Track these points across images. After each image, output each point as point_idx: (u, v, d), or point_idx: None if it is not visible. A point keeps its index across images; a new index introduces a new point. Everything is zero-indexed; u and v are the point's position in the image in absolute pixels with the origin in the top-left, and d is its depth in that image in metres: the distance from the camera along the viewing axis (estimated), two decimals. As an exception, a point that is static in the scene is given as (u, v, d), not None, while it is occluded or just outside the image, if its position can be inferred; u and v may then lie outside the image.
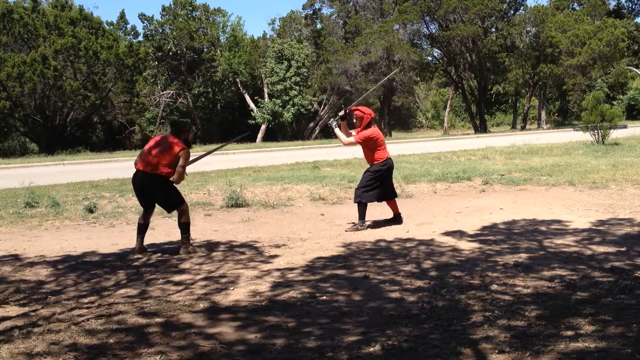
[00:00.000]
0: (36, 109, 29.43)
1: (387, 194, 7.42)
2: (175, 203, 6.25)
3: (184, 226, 6.22)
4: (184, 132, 6.24)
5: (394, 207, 7.52)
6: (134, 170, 6.22)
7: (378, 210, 8.02)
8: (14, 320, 4.10)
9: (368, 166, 7.47)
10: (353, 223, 7.34)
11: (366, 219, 7.27)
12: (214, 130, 40.81)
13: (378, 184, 7.27)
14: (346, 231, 7.09)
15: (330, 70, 35.49)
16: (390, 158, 7.43)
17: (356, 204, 7.29)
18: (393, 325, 3.79)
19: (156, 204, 6.36)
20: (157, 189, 6.14)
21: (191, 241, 6.31)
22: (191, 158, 6.36)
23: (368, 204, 7.30)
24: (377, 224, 7.43)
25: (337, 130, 7.60)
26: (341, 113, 7.53)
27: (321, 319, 3.98)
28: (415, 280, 4.82)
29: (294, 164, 14.42)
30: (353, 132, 7.53)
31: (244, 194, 9.57)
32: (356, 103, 8.06)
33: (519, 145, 17.67)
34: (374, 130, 7.29)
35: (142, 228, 6.26)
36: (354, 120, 7.38)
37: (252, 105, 38.19)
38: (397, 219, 7.49)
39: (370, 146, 7.28)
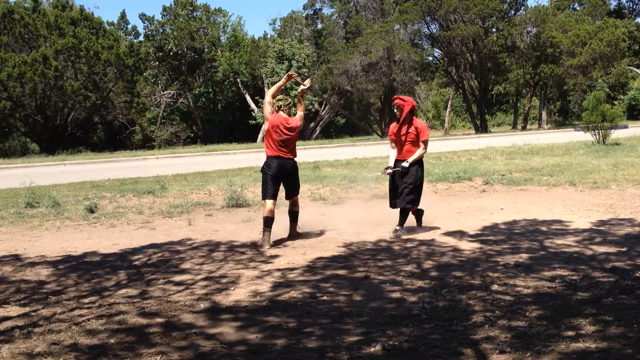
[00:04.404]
0: (37, 109, 29.44)
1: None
2: None
3: None
4: None
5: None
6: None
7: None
8: (15, 320, 4.11)
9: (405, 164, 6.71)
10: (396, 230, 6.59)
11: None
12: (215, 130, 40.82)
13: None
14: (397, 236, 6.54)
15: (330, 70, 35.48)
16: None
17: (409, 210, 6.75)
18: (394, 325, 3.79)
19: None
20: None
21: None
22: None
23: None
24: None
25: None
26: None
27: (322, 319, 3.98)
28: (416, 280, 4.81)
29: (294, 164, 14.37)
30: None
31: (245, 194, 9.57)
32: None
33: (520, 145, 17.65)
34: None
35: None
36: (395, 111, 6.75)
37: (252, 105, 38.20)
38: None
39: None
